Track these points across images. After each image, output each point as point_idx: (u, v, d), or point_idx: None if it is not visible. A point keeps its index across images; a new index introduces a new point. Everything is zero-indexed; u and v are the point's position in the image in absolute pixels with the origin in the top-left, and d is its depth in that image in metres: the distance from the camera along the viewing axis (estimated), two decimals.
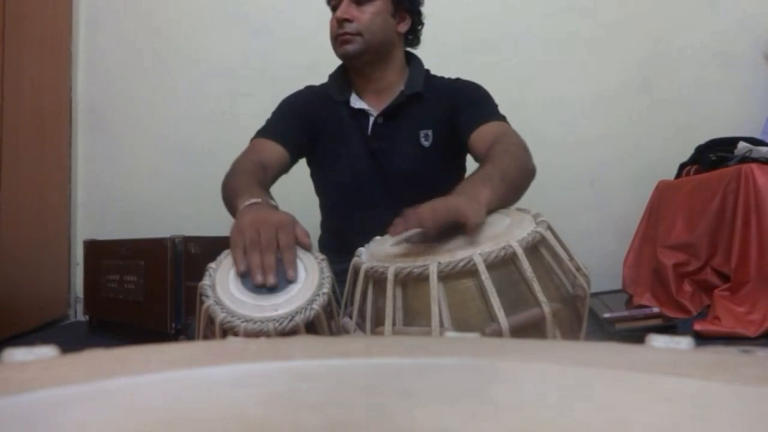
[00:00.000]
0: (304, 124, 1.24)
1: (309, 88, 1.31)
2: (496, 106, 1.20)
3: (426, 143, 1.23)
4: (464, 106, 1.19)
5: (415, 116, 1.23)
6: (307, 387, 0.22)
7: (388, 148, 1.23)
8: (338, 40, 1.18)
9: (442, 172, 1.25)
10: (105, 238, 2.11)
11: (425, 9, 1.30)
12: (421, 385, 0.22)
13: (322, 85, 1.31)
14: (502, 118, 1.16)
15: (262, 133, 1.21)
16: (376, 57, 1.21)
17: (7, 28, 1.92)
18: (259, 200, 0.90)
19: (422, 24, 1.31)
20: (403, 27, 1.25)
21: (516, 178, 0.91)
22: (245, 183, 0.99)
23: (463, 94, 1.22)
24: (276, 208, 0.93)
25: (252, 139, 1.21)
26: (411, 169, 1.23)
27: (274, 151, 1.16)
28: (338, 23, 1.17)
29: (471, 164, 1.25)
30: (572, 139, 2.32)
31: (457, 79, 1.28)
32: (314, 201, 1.38)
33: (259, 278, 0.76)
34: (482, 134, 1.11)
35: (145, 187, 2.42)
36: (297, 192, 1.41)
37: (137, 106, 2.46)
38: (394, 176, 1.23)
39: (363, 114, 1.24)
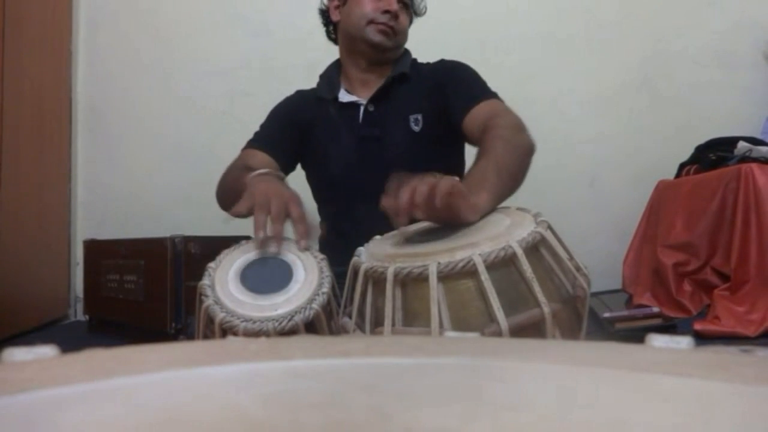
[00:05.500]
0: (292, 131, 1.24)
1: (298, 93, 1.32)
2: (484, 83, 1.18)
3: (416, 128, 1.21)
4: (452, 88, 1.18)
5: (403, 100, 1.22)
6: (307, 387, 0.22)
7: (379, 135, 1.21)
8: (380, 27, 1.18)
9: (436, 159, 1.20)
10: (105, 238, 2.11)
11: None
12: (420, 385, 0.22)
13: (312, 88, 1.31)
14: (494, 96, 1.13)
15: (252, 143, 1.22)
16: (390, 58, 1.25)
17: (7, 29, 1.92)
18: (269, 170, 0.93)
19: None
20: None
21: (513, 166, 0.89)
22: (243, 173, 0.99)
23: (449, 74, 1.21)
24: (283, 179, 0.95)
25: (242, 150, 1.21)
26: (402, 156, 1.20)
27: (263, 161, 1.16)
28: (391, 14, 1.19)
29: (470, 153, 1.24)
30: (572, 139, 2.32)
31: (441, 60, 1.28)
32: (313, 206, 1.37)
33: (260, 234, 0.79)
34: (474, 117, 1.09)
35: (145, 187, 2.42)
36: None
37: (137, 106, 2.46)
38: (385, 164, 1.17)
39: (352, 106, 1.24)
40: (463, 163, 1.30)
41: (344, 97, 1.25)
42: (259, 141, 1.21)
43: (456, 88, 1.18)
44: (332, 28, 1.32)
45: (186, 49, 2.44)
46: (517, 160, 0.91)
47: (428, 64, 1.29)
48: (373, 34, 1.18)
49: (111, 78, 2.47)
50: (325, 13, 1.32)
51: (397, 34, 1.21)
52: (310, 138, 1.25)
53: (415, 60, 1.29)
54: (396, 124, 1.21)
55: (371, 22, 1.18)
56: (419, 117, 1.21)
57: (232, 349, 0.30)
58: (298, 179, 1.33)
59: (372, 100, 1.22)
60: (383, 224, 0.88)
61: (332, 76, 1.29)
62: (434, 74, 1.23)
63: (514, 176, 0.89)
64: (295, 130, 1.24)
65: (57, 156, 2.34)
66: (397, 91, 1.23)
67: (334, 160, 1.23)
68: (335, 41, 1.33)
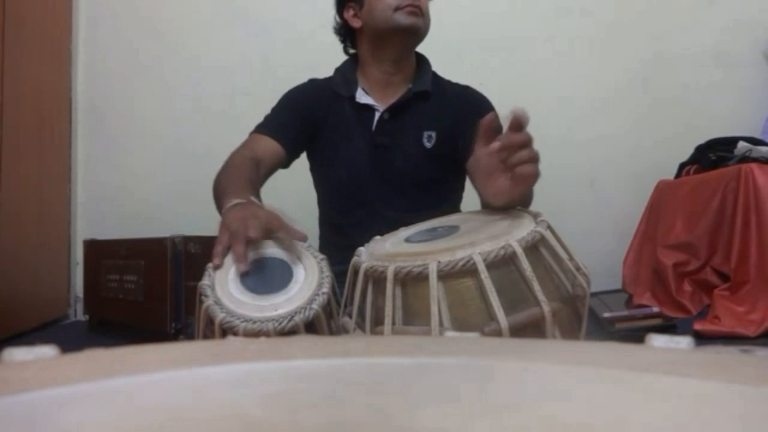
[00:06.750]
0: (303, 119, 1.23)
1: (312, 82, 1.31)
2: (500, 126, 1.20)
3: (428, 144, 1.23)
4: (469, 122, 1.17)
5: (420, 115, 1.23)
6: (307, 387, 0.22)
7: (391, 145, 1.22)
8: (407, 9, 1.17)
9: (443, 176, 1.25)
10: (105, 238, 2.11)
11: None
12: (421, 385, 0.22)
13: (327, 79, 1.30)
14: None
15: (260, 128, 1.21)
16: (418, 44, 1.25)
17: (7, 29, 1.92)
18: (245, 200, 0.91)
19: None
20: None
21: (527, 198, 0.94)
22: (235, 182, 0.99)
23: (470, 107, 1.21)
24: (260, 205, 0.94)
25: (250, 134, 1.21)
26: (411, 169, 1.22)
27: (270, 146, 1.16)
28: None
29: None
30: (572, 139, 2.31)
31: (467, 87, 1.29)
32: (313, 198, 1.37)
33: (242, 267, 0.77)
34: None
35: (145, 187, 2.42)
36: (295, 189, 1.42)
37: (137, 106, 2.46)
38: (394, 174, 1.23)
39: (368, 109, 1.24)
40: (463, 187, 1.30)
41: (361, 97, 1.24)
42: (269, 127, 1.21)
43: (472, 122, 1.19)
44: (349, 41, 1.31)
45: (186, 49, 2.43)
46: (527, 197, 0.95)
47: (450, 83, 1.29)
48: (404, 18, 1.17)
49: (111, 78, 2.47)
50: (342, 28, 1.30)
51: (424, 14, 1.20)
52: (322, 133, 1.25)
53: (435, 73, 1.29)
54: (409, 137, 1.23)
55: (397, 8, 1.18)
56: (433, 134, 1.23)
57: (232, 349, 0.30)
58: (299, 181, 1.34)
59: (389, 109, 1.23)
60: (384, 228, 0.89)
61: (349, 72, 1.28)
62: (457, 100, 1.25)
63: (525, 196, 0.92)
64: (308, 121, 1.24)
65: (57, 156, 2.33)
66: (416, 106, 1.23)
67: (344, 162, 1.24)
68: (353, 54, 1.31)
